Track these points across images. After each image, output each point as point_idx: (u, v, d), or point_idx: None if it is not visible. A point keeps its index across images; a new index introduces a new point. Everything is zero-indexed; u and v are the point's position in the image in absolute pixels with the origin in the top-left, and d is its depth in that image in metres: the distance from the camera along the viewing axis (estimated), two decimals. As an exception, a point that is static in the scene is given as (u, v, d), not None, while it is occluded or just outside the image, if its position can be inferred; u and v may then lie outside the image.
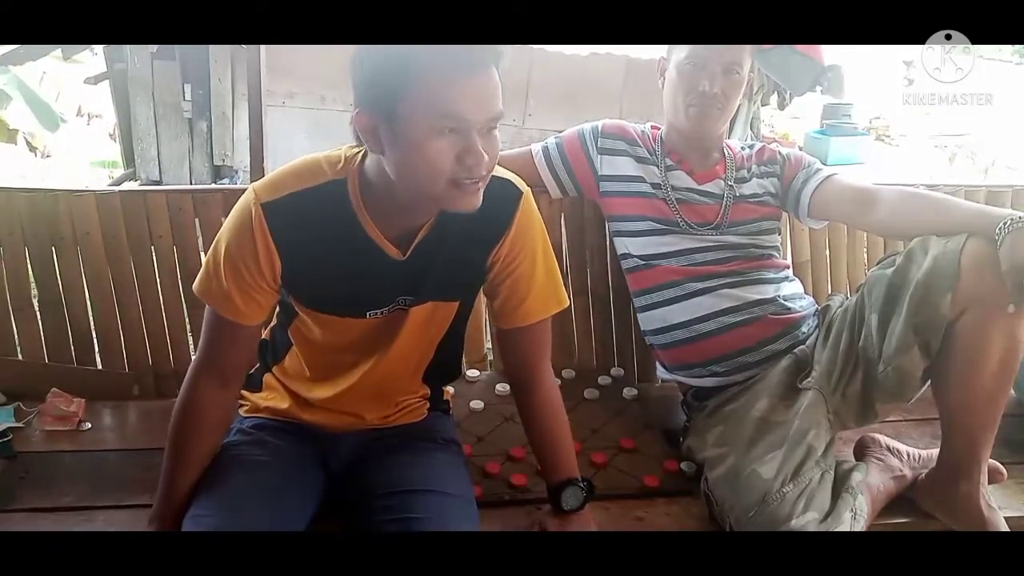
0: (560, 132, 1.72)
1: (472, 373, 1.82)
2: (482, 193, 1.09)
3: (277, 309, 1.34)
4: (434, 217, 1.18)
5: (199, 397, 1.22)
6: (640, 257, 1.62)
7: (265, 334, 1.40)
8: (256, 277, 1.16)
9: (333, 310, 1.23)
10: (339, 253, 1.17)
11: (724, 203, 1.61)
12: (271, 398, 1.35)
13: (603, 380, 1.81)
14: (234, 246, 1.15)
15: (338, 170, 1.16)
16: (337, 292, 1.20)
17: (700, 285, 1.55)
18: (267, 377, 1.37)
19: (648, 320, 1.63)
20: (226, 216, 1.19)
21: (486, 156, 1.05)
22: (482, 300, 1.78)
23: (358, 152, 1.16)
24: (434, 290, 1.24)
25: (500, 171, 1.23)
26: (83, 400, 1.60)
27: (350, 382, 1.29)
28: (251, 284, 1.16)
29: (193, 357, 1.26)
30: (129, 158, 5.64)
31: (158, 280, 1.71)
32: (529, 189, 1.26)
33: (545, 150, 1.70)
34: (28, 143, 6.13)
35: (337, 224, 1.15)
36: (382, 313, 1.23)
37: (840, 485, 1.33)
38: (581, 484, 1.30)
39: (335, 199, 1.15)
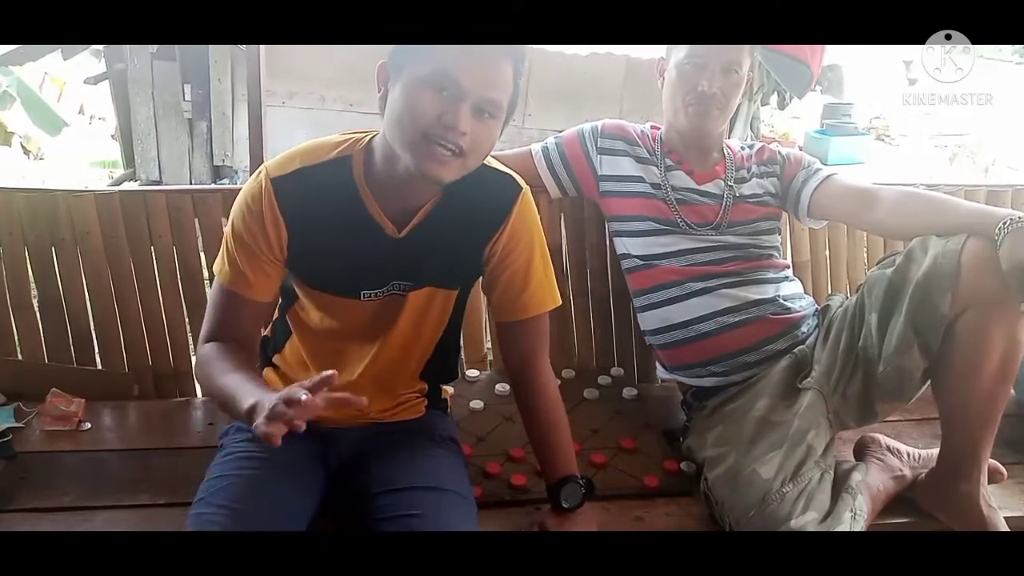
0: (560, 132, 1.72)
1: (472, 373, 1.82)
2: (454, 170, 1.12)
3: (280, 301, 1.34)
4: (432, 200, 1.22)
5: (211, 348, 1.18)
6: (640, 257, 1.62)
7: (266, 331, 1.41)
8: (264, 249, 1.20)
9: (329, 288, 1.25)
10: (339, 227, 1.20)
11: (724, 203, 1.61)
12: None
13: (603, 380, 1.81)
14: (245, 220, 1.20)
15: (345, 148, 1.21)
16: (334, 268, 1.23)
17: (700, 285, 1.55)
18: (267, 371, 1.38)
19: (648, 320, 1.63)
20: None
21: (465, 126, 1.08)
22: (482, 298, 1.79)
23: (366, 134, 1.22)
24: (430, 276, 1.26)
25: (501, 167, 1.28)
26: (83, 400, 1.60)
27: (350, 373, 1.30)
28: (260, 257, 1.20)
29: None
30: (129, 158, 5.65)
31: (158, 280, 1.72)
32: (529, 187, 1.30)
33: (545, 150, 1.70)
34: (23, 146, 6.14)
35: (339, 198, 1.20)
36: (376, 295, 1.25)
37: (840, 485, 1.33)
38: (580, 481, 1.30)
39: (340, 174, 1.20)
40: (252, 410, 1.02)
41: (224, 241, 1.23)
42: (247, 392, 1.05)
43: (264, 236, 1.19)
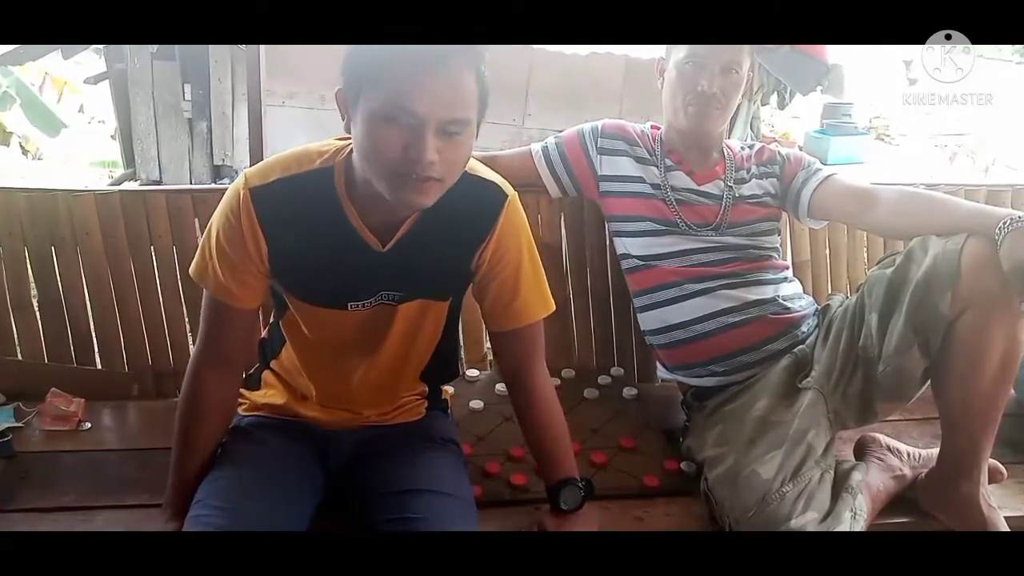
0: (560, 132, 1.72)
1: (472, 373, 1.82)
2: (434, 194, 1.08)
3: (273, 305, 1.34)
4: (417, 213, 1.18)
5: (202, 383, 1.25)
6: (639, 257, 1.62)
7: (264, 333, 1.41)
8: (245, 261, 1.18)
9: (316, 300, 1.23)
10: (322, 240, 1.18)
11: (723, 204, 1.61)
12: (269, 395, 1.35)
13: (603, 380, 1.81)
14: (223, 231, 1.18)
15: (326, 159, 1.18)
16: (319, 280, 1.21)
17: (699, 286, 1.55)
18: (265, 374, 1.38)
19: (648, 320, 1.63)
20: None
21: (432, 155, 1.03)
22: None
23: (348, 143, 1.18)
24: (420, 288, 1.24)
25: (487, 173, 1.25)
26: (83, 400, 1.60)
27: (345, 383, 1.30)
28: (241, 268, 1.19)
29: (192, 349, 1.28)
30: (129, 158, 5.64)
31: (158, 280, 1.72)
32: (516, 193, 1.26)
33: (545, 150, 1.70)
34: (21, 146, 6.14)
35: (321, 211, 1.17)
36: (364, 306, 1.23)
37: (840, 485, 1.33)
38: (579, 483, 1.30)
39: (321, 186, 1.17)
40: (172, 506, 1.24)
41: (202, 247, 1.21)
42: (185, 487, 1.23)
43: (243, 248, 1.17)
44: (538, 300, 1.30)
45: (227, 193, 1.19)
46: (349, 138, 1.19)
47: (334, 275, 1.20)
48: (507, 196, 1.24)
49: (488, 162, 1.32)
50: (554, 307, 1.33)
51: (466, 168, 1.19)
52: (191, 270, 1.23)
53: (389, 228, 1.19)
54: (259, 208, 1.15)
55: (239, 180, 1.18)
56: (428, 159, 1.03)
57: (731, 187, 1.62)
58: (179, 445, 1.26)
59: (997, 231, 1.25)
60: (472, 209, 1.21)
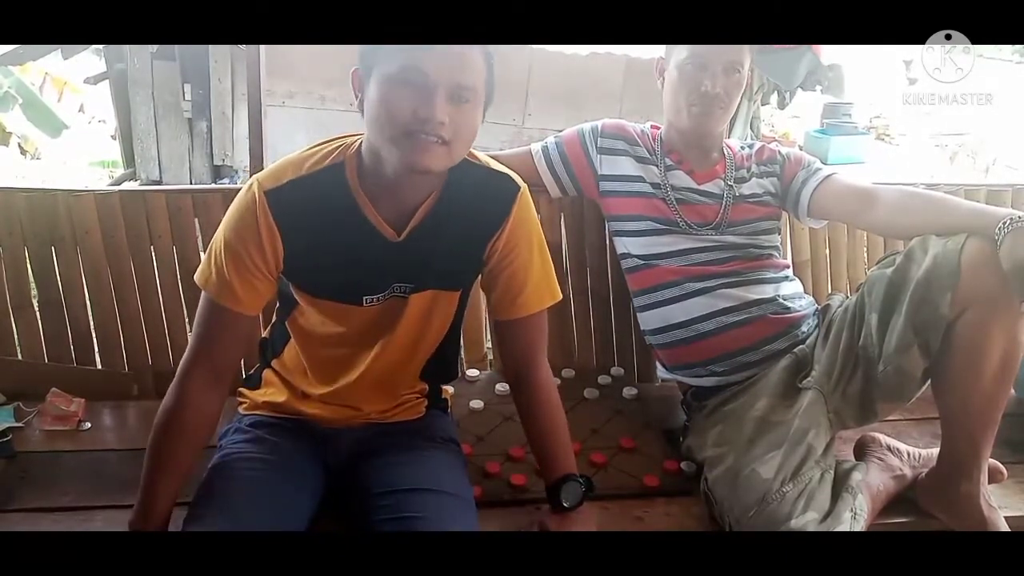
0: (560, 132, 1.72)
1: (472, 373, 1.82)
2: (441, 158, 1.11)
3: (277, 305, 1.34)
4: (429, 201, 1.21)
5: (189, 393, 1.18)
6: (639, 257, 1.62)
7: (265, 333, 1.41)
8: (258, 263, 1.18)
9: (331, 295, 1.24)
10: (338, 234, 1.19)
11: (724, 203, 1.61)
12: (270, 393, 1.35)
13: (603, 380, 1.81)
14: (238, 234, 1.18)
15: (336, 155, 1.20)
16: (335, 275, 1.22)
17: (699, 285, 1.55)
18: (266, 372, 1.38)
19: (648, 320, 1.64)
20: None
21: (442, 115, 1.08)
22: (482, 299, 1.80)
23: (356, 139, 1.21)
24: (432, 278, 1.25)
25: (499, 166, 1.28)
26: (83, 400, 1.60)
27: (350, 378, 1.30)
28: (252, 271, 1.18)
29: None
30: (129, 158, 5.64)
31: (158, 280, 1.72)
32: (527, 186, 1.29)
33: (545, 149, 1.70)
34: (20, 146, 6.14)
35: (336, 206, 1.18)
36: (378, 300, 1.25)
37: (840, 485, 1.33)
38: (579, 480, 1.30)
39: (334, 182, 1.18)
40: (140, 528, 1.17)
41: (211, 253, 1.20)
42: (155, 507, 1.17)
43: (259, 250, 1.17)
44: (545, 290, 1.32)
45: (239, 199, 1.19)
46: (355, 134, 1.21)
47: (349, 269, 1.22)
48: (519, 188, 1.27)
49: None
50: (560, 296, 1.35)
51: (478, 160, 1.25)
52: (196, 277, 1.22)
53: (403, 217, 1.20)
54: (275, 210, 1.16)
55: (251, 185, 1.18)
56: (438, 118, 1.07)
57: (731, 186, 1.62)
58: (153, 460, 1.17)
59: (997, 231, 1.25)
60: (485, 200, 1.24)
